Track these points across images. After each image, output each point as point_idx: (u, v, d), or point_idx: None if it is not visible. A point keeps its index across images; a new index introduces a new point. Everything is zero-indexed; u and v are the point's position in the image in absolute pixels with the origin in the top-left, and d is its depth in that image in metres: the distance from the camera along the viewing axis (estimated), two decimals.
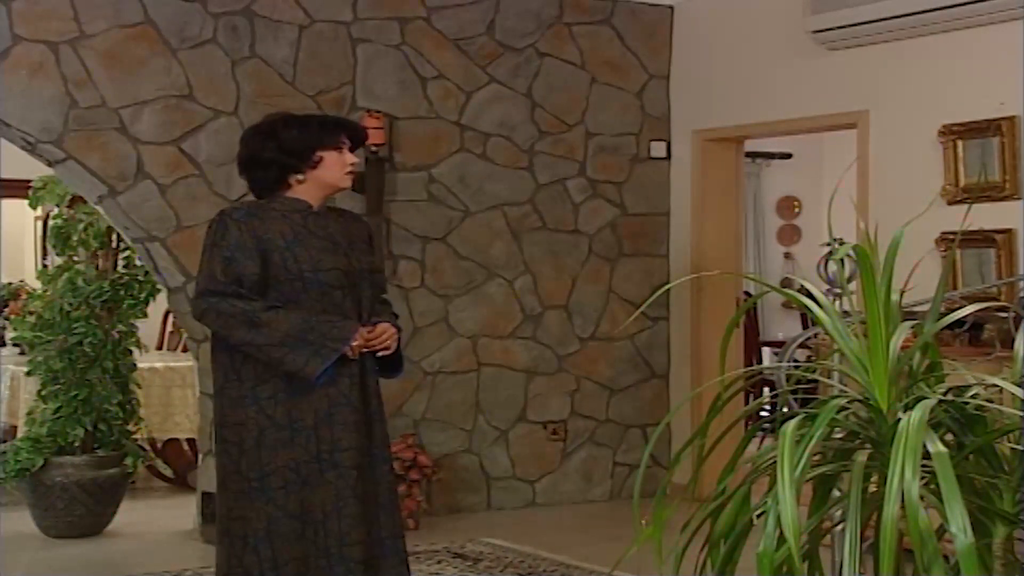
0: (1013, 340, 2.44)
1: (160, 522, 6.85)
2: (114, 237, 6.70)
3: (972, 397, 2.29)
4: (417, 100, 6.83)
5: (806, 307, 2.35)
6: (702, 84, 7.38)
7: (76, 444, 6.44)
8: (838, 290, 3.39)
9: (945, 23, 5.98)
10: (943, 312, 2.44)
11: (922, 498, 2.01)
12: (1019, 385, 2.25)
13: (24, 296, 7.73)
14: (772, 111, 7.02)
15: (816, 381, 2.73)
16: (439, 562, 5.77)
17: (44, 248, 9.05)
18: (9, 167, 7.38)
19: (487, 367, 7.08)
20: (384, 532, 3.86)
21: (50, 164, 6.17)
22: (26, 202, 7.12)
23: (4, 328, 8.08)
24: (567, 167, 7.26)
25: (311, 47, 6.52)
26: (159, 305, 7.42)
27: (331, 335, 3.74)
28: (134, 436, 6.77)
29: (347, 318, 3.82)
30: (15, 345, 7.61)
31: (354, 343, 3.77)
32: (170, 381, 7.65)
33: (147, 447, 7.45)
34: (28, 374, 6.76)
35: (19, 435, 6.77)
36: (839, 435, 2.39)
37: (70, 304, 6.54)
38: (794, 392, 2.68)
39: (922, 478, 2.02)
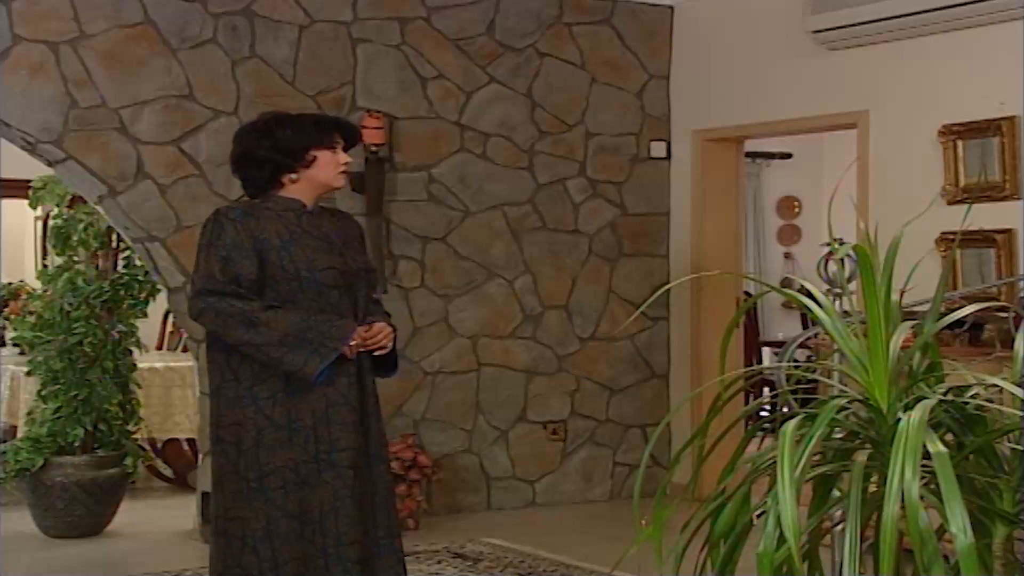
0: (1013, 340, 2.44)
1: (160, 522, 6.85)
2: (114, 237, 6.70)
3: (972, 397, 2.29)
4: (417, 100, 6.83)
5: (806, 307, 2.35)
6: (702, 84, 7.38)
7: (76, 444, 6.44)
8: (838, 290, 3.39)
9: (945, 23, 5.98)
10: (943, 312, 2.44)
11: (922, 498, 2.01)
12: (1019, 385, 2.25)
13: (24, 296, 7.75)
14: (772, 111, 7.02)
15: (816, 381, 2.73)
16: (439, 562, 5.77)
17: (44, 248, 9.04)
18: (9, 167, 7.37)
19: (487, 367, 7.07)
20: (381, 532, 3.85)
21: (50, 164, 6.17)
22: (26, 202, 7.13)
23: (4, 328, 8.08)
24: (567, 167, 7.26)
25: (311, 47, 6.52)
26: (159, 305, 7.42)
27: (330, 334, 3.73)
28: (134, 436, 6.77)
29: (344, 318, 3.82)
30: (15, 345, 7.60)
31: (352, 342, 3.77)
32: (170, 381, 7.64)
33: (147, 447, 7.46)
34: (28, 374, 6.77)
35: (19, 435, 6.77)
36: (839, 435, 2.39)
37: (70, 304, 6.54)
38: (794, 392, 2.68)
39: (922, 478, 2.02)
